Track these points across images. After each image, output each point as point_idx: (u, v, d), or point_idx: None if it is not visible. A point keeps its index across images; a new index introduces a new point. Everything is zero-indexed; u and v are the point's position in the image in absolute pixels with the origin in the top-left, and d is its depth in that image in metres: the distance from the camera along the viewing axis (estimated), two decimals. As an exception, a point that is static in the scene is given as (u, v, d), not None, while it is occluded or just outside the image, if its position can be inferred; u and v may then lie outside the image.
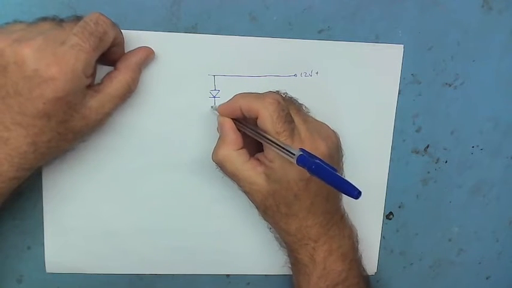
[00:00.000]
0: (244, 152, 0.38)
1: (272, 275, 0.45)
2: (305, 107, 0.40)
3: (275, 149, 0.35)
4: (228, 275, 0.45)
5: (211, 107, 0.40)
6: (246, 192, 0.38)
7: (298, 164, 0.32)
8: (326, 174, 0.31)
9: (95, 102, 0.35)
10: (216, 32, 0.39)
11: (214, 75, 0.40)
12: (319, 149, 0.37)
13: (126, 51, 0.37)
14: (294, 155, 0.33)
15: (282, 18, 0.40)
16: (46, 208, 0.41)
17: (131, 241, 0.42)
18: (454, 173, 0.46)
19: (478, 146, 0.45)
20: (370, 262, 0.46)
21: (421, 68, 0.43)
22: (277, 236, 0.41)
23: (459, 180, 0.46)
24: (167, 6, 0.39)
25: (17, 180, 0.34)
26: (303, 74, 0.41)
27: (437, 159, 0.45)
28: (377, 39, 0.41)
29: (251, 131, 0.37)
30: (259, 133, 0.36)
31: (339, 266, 0.39)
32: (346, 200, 0.42)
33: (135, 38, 0.38)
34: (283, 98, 0.37)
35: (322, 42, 0.41)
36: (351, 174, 0.42)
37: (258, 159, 0.38)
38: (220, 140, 0.38)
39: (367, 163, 0.43)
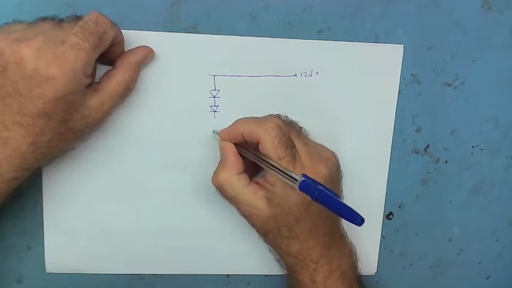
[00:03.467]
0: (244, 176, 0.38)
1: (272, 275, 0.45)
2: (304, 130, 0.40)
3: (277, 174, 0.35)
4: (228, 275, 0.45)
5: (213, 131, 0.40)
6: (246, 217, 0.39)
7: (300, 190, 0.32)
8: (329, 200, 0.31)
9: (95, 102, 0.35)
10: (216, 32, 0.39)
11: (214, 75, 0.40)
12: (320, 172, 0.37)
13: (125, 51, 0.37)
14: (296, 180, 0.33)
15: (282, 18, 0.40)
16: (46, 208, 0.41)
17: (131, 241, 0.42)
18: (454, 173, 0.45)
19: (478, 146, 0.45)
20: (370, 262, 0.46)
21: (421, 68, 0.43)
22: (278, 257, 0.41)
23: (459, 180, 0.46)
24: (167, 6, 0.39)
25: (17, 180, 0.34)
26: (303, 74, 0.41)
27: (437, 159, 0.45)
28: (377, 39, 0.41)
29: (252, 155, 0.37)
30: (260, 158, 0.37)
31: (339, 286, 0.39)
32: (346, 199, 0.42)
33: (135, 38, 0.38)
34: (284, 122, 0.38)
35: (322, 42, 0.40)
36: (351, 174, 0.42)
37: (257, 183, 0.38)
38: (221, 163, 0.38)
39: (367, 163, 0.43)
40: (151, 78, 0.39)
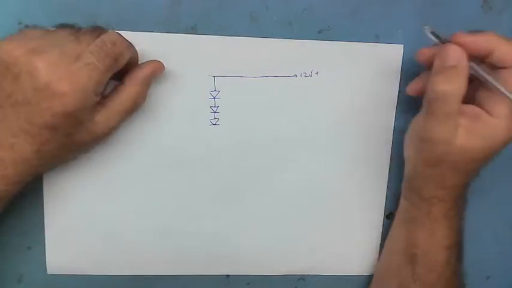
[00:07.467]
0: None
1: (272, 275, 0.45)
2: None
3: None
4: (228, 275, 0.45)
5: (425, 27, 0.35)
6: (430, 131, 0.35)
7: None
8: None
9: (102, 117, 0.35)
10: (216, 32, 0.39)
11: (214, 76, 0.40)
12: None
13: None
14: None
15: (282, 18, 0.40)
16: (47, 208, 0.41)
17: (132, 242, 0.42)
18: (454, 173, 0.45)
19: (478, 146, 0.45)
20: (370, 262, 0.46)
21: (421, 68, 0.42)
22: (407, 185, 0.40)
23: (459, 180, 0.46)
24: (167, 7, 0.39)
25: (21, 184, 0.34)
26: (303, 74, 0.41)
27: (438, 159, 0.45)
28: (377, 39, 0.41)
29: (481, 74, 0.33)
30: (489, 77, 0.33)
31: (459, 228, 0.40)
32: (346, 200, 0.42)
33: (135, 39, 0.38)
34: None
35: (322, 42, 0.40)
36: (351, 174, 0.42)
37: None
38: (450, 71, 0.34)
39: (367, 163, 0.43)
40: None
